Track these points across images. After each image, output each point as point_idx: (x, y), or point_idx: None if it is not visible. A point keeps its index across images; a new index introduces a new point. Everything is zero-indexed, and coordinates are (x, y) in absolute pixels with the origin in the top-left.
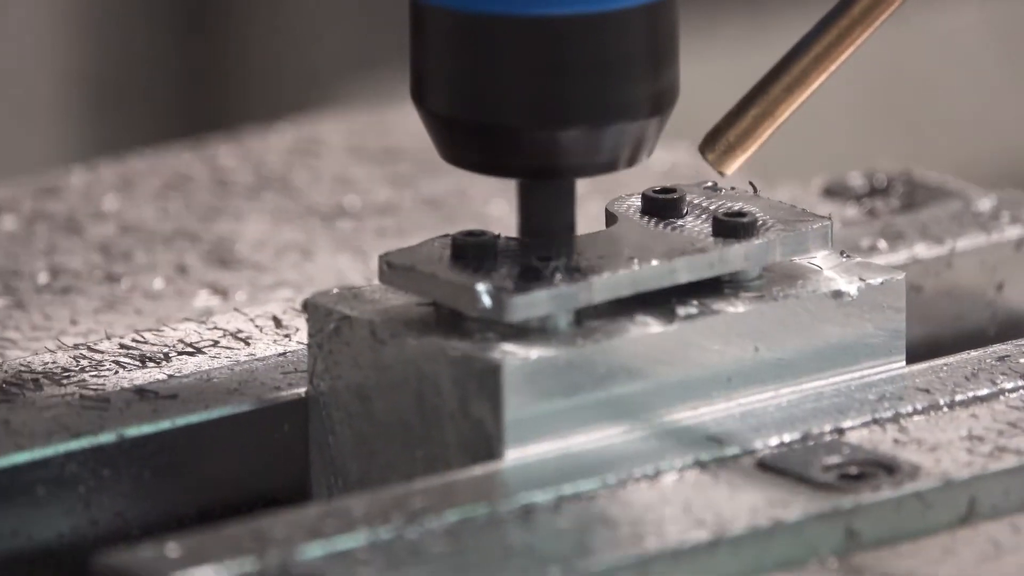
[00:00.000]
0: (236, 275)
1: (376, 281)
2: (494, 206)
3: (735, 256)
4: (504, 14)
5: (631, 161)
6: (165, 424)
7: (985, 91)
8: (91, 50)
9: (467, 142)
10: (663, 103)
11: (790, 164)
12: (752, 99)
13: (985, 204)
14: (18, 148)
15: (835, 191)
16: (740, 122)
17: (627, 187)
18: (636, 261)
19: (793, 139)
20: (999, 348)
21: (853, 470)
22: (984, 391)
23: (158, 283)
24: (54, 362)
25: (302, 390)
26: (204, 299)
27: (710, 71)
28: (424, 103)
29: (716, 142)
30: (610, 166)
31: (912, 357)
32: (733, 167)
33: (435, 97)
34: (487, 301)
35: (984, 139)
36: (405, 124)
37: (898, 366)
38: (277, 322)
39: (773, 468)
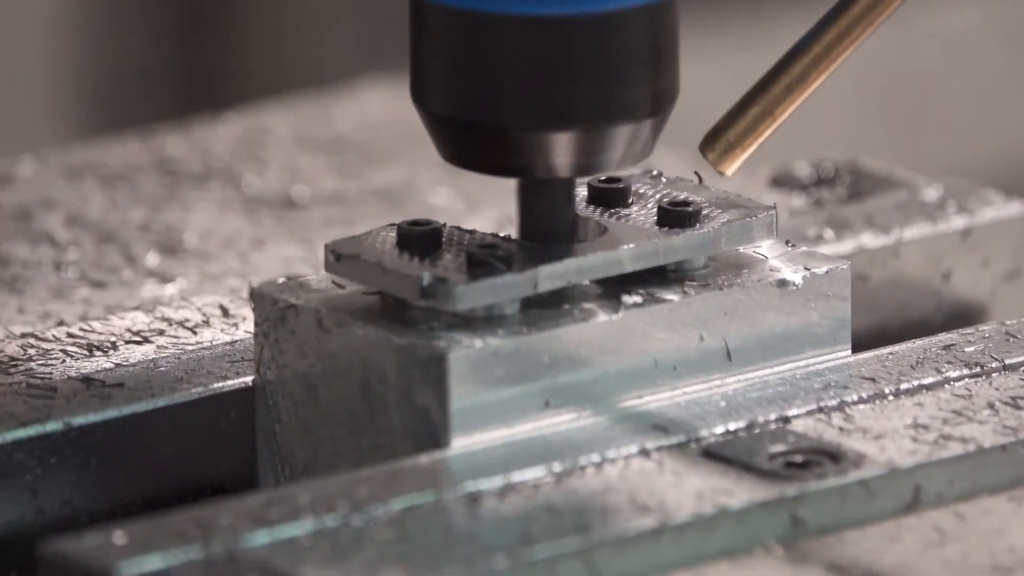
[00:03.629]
0: (183, 264)
1: (322, 270)
2: (441, 195)
3: (680, 245)
4: (504, 13)
5: (630, 161)
6: (112, 413)
7: (985, 91)
8: (89, 47)
9: (466, 142)
10: (662, 103)
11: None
12: (752, 99)
13: (931, 194)
14: (18, 132)
15: (782, 181)
16: (740, 122)
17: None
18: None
19: (793, 139)
20: (944, 337)
21: (798, 458)
22: (929, 380)
23: (105, 272)
24: (1, 351)
25: (249, 379)
26: (152, 288)
27: (710, 71)
28: (424, 103)
29: (716, 142)
30: (609, 166)
31: (859, 347)
32: (733, 167)
33: (435, 97)
34: (432, 290)
35: (984, 139)
36: (352, 113)
37: (844, 355)
38: (224, 311)
39: (718, 456)
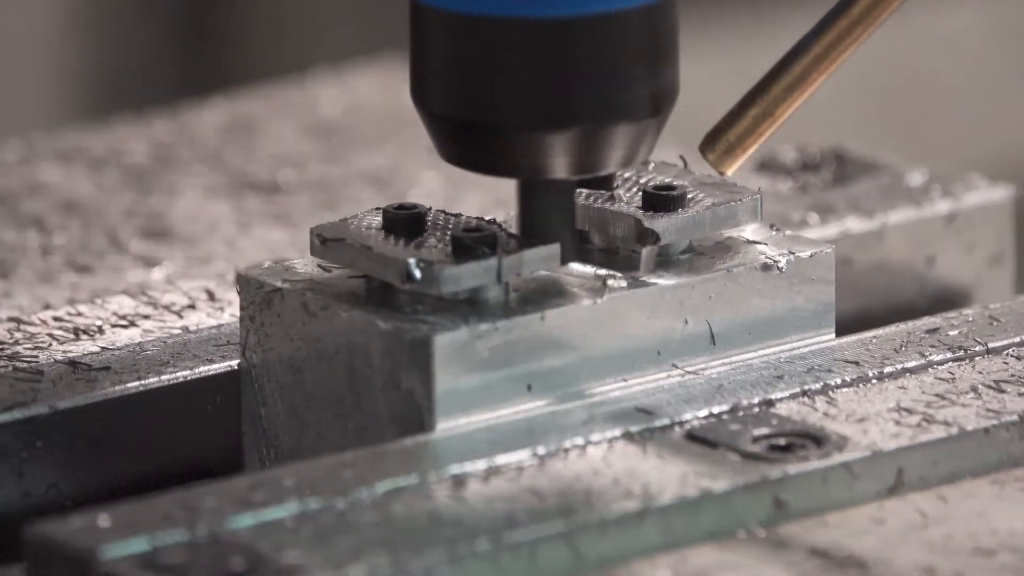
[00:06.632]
0: (170, 249)
1: (308, 254)
2: (427, 180)
3: (664, 229)
4: (504, 16)
5: (631, 161)
6: (98, 396)
7: (985, 91)
8: (87, 38)
9: (467, 142)
10: (662, 103)
11: None
12: (752, 99)
13: (916, 179)
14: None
15: (767, 165)
16: (740, 122)
17: None
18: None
19: (792, 140)
20: (928, 321)
21: (781, 441)
22: (913, 363)
23: (92, 257)
24: None
25: (234, 362)
26: (138, 273)
27: (710, 71)
28: (424, 103)
29: (716, 142)
30: (609, 166)
31: (844, 330)
32: (733, 167)
33: (435, 97)
34: (417, 274)
35: (984, 139)
36: (338, 99)
37: (828, 338)
38: (210, 295)
39: (702, 439)
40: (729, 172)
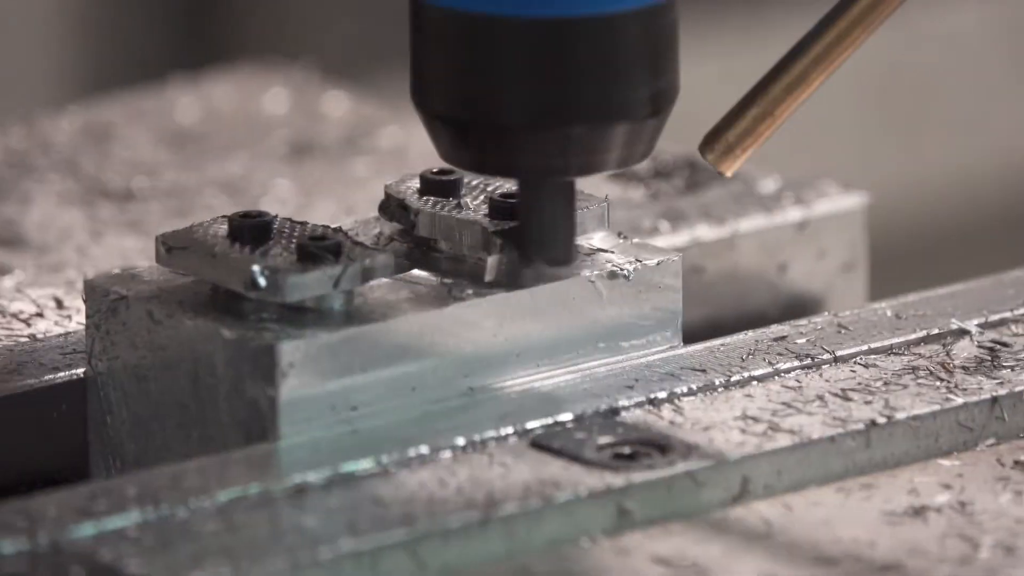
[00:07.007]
0: (21, 256)
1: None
2: (279, 188)
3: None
4: (504, 15)
5: (631, 160)
6: None
7: (985, 91)
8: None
9: (466, 142)
10: (663, 103)
11: (791, 165)
12: (752, 99)
13: (768, 186)
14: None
15: (620, 173)
16: (740, 122)
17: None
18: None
19: (792, 140)
20: (776, 328)
21: (626, 449)
22: (760, 371)
23: None
24: None
25: (81, 370)
26: None
27: (710, 71)
28: (424, 104)
29: (715, 142)
30: (610, 165)
31: (695, 339)
32: (733, 167)
33: (434, 98)
34: (262, 281)
35: (984, 138)
36: (193, 106)
37: (675, 346)
38: (59, 303)
39: (547, 448)
40: (729, 173)
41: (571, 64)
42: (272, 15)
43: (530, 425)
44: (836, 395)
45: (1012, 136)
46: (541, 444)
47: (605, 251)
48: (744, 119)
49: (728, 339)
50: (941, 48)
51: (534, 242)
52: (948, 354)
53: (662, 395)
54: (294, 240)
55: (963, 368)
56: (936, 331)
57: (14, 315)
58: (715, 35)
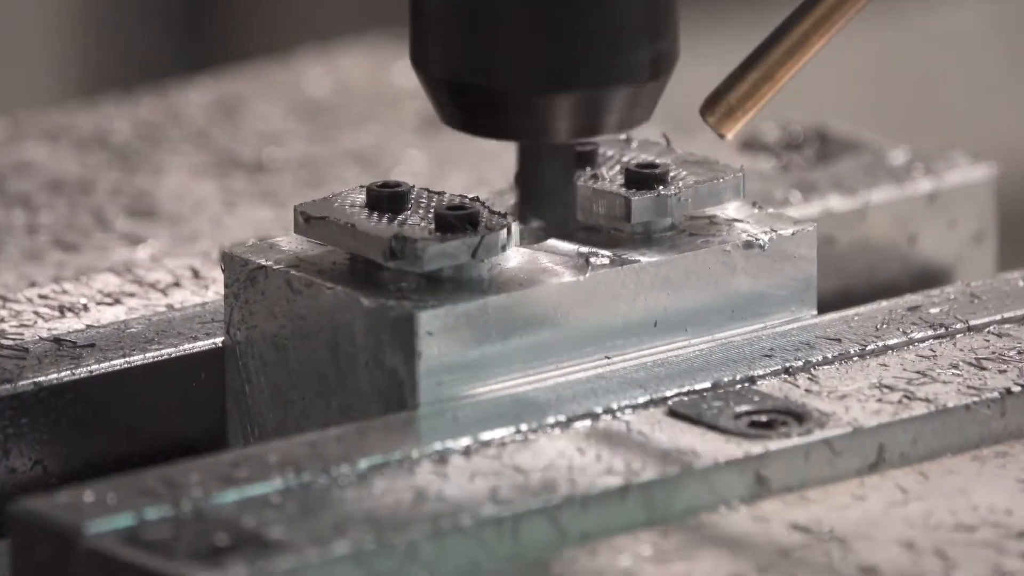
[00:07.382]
0: (155, 227)
1: (292, 232)
2: (412, 159)
3: (646, 207)
4: None
5: (630, 125)
6: (83, 373)
7: (984, 90)
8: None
9: (466, 105)
10: (663, 66)
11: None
12: (753, 62)
13: (898, 157)
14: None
15: (750, 144)
16: (740, 85)
17: None
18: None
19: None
20: (910, 298)
21: (763, 418)
22: (894, 340)
23: (78, 235)
24: None
25: (219, 340)
26: (123, 251)
27: (710, 71)
28: (423, 67)
29: (716, 105)
30: (609, 129)
31: (826, 309)
32: (734, 130)
33: (434, 61)
34: (401, 251)
35: (983, 138)
36: (324, 77)
37: (809, 316)
38: (195, 273)
39: (684, 416)
40: (729, 135)
41: (571, 26)
42: (272, 15)
43: (667, 393)
44: (971, 364)
45: (1011, 135)
46: (678, 412)
47: (740, 221)
48: (745, 82)
49: (862, 309)
50: (940, 46)
51: (533, 204)
52: None
53: (798, 364)
54: (431, 210)
55: None
56: None
57: (151, 285)
58: (715, 35)
